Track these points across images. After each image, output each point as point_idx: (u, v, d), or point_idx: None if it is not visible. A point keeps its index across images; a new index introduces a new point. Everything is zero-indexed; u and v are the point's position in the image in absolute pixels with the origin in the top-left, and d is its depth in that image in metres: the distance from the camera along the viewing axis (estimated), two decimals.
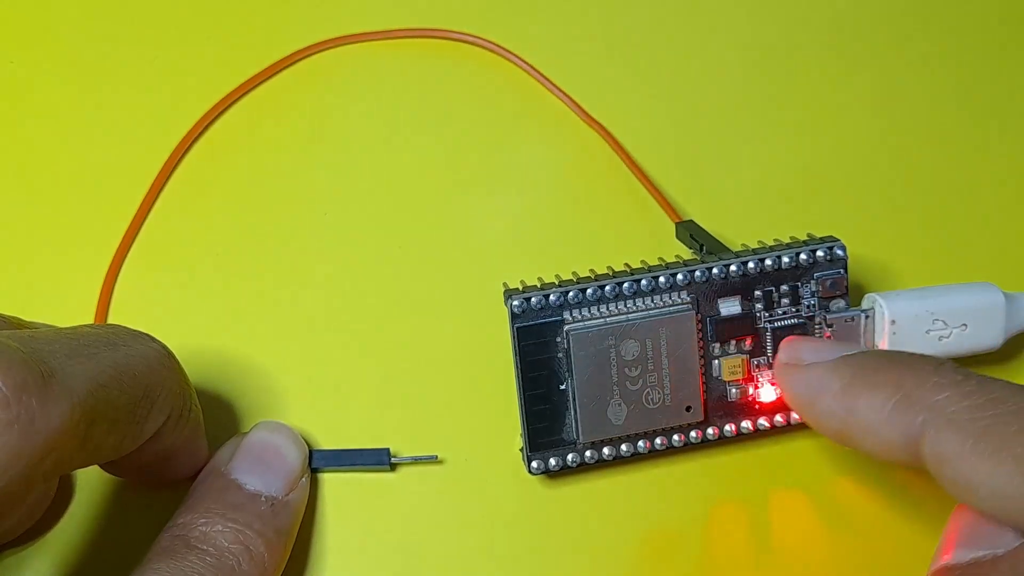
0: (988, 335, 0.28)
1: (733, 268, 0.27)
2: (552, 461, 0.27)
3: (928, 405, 0.22)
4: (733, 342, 0.27)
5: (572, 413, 0.27)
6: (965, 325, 0.27)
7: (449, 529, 0.28)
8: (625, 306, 0.27)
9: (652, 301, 0.27)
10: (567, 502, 0.28)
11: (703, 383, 0.27)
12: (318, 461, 0.28)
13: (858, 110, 0.33)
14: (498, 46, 0.32)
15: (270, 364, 0.29)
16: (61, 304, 0.29)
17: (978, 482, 0.21)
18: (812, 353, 0.25)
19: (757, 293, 0.27)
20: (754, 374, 0.28)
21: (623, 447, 0.27)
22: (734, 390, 0.28)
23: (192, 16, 0.33)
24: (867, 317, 0.27)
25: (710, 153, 0.32)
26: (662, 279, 0.27)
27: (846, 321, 0.27)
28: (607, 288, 0.26)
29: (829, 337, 0.27)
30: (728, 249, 0.28)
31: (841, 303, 0.28)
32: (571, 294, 0.26)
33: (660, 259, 0.28)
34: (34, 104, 0.32)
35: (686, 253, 0.29)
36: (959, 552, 0.23)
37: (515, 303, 0.26)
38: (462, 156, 0.32)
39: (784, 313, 0.27)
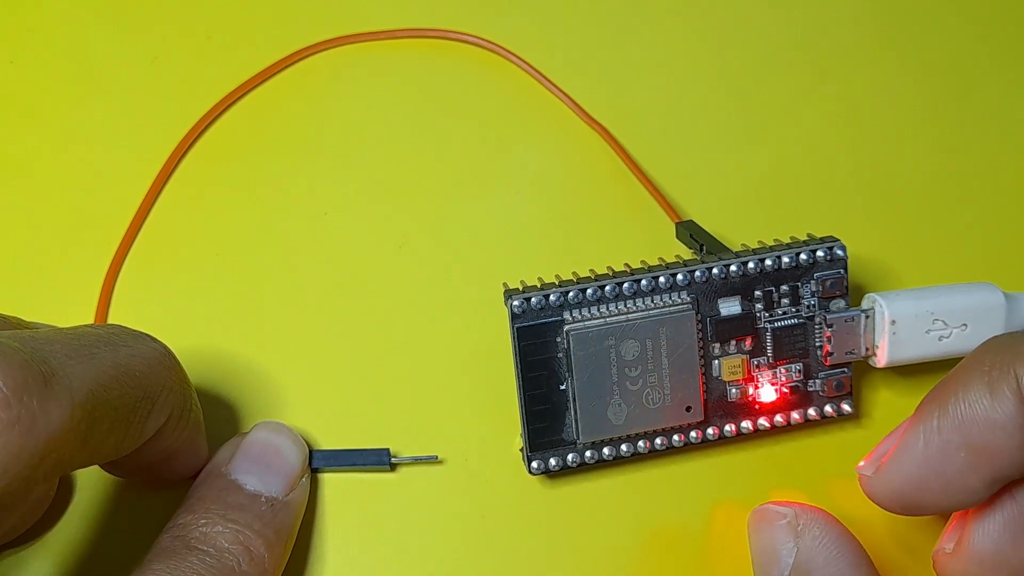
0: (988, 335, 0.27)
1: (733, 268, 0.27)
2: (552, 461, 0.27)
3: (1014, 358, 0.22)
4: (733, 342, 0.27)
5: (572, 413, 0.27)
6: (965, 325, 0.27)
7: (449, 529, 0.28)
8: (625, 306, 0.27)
9: (652, 301, 0.27)
10: (567, 502, 0.28)
11: (703, 383, 0.27)
12: (318, 461, 0.28)
13: (858, 110, 0.33)
14: (498, 46, 0.32)
15: (270, 364, 0.29)
16: (61, 304, 0.29)
17: None
18: (886, 441, 0.25)
19: (757, 293, 0.27)
20: (754, 374, 0.28)
21: (623, 447, 0.27)
22: (734, 390, 0.28)
23: (192, 16, 0.33)
24: (867, 317, 0.27)
25: (710, 153, 0.32)
26: (662, 279, 0.27)
27: (846, 321, 0.27)
28: (607, 288, 0.26)
29: (829, 337, 0.27)
30: (728, 249, 0.28)
31: (841, 303, 0.28)
32: (571, 294, 0.26)
33: (660, 259, 0.28)
34: (34, 104, 0.32)
35: (686, 253, 0.29)
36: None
37: (515, 303, 0.26)
38: (462, 156, 0.32)
39: (784, 313, 0.28)
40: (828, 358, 0.28)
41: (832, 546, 0.24)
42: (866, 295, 0.28)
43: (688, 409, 0.27)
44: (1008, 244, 0.31)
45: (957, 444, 0.23)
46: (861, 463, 0.26)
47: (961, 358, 0.28)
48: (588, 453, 0.27)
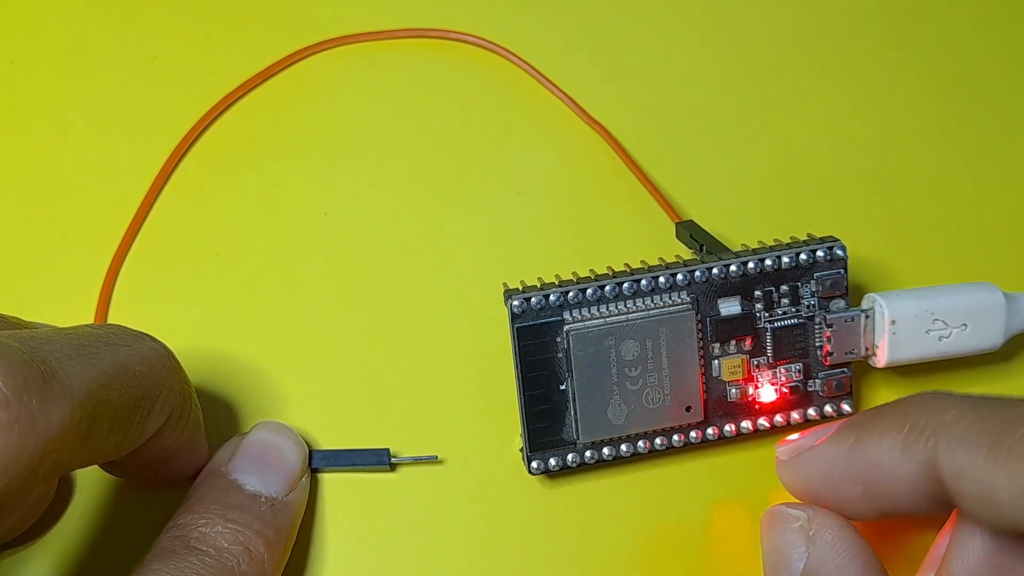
0: (988, 335, 0.28)
1: (733, 268, 0.27)
2: (552, 461, 0.27)
3: (936, 427, 0.22)
4: (733, 342, 0.27)
5: (572, 413, 0.27)
6: (965, 325, 0.27)
7: (449, 529, 0.28)
8: (625, 306, 0.27)
9: (652, 301, 0.27)
10: (567, 502, 0.28)
11: (703, 383, 0.27)
12: (318, 461, 0.28)
13: (859, 110, 0.33)
14: (498, 46, 0.32)
15: (270, 364, 0.29)
16: (61, 304, 0.29)
17: (998, 488, 0.21)
18: (808, 439, 0.26)
19: (757, 293, 0.27)
20: (754, 374, 0.28)
21: (623, 447, 0.27)
22: (734, 390, 0.28)
23: (192, 16, 0.33)
24: (867, 317, 0.27)
25: (710, 153, 0.32)
26: (662, 279, 0.27)
27: (846, 321, 0.27)
28: (607, 288, 0.26)
29: (829, 337, 0.27)
30: (728, 249, 0.28)
31: (841, 303, 0.28)
32: (571, 294, 0.26)
33: (660, 259, 0.28)
34: (34, 104, 0.32)
35: (686, 253, 0.29)
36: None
37: (515, 303, 0.26)
38: (462, 156, 0.32)
39: (784, 313, 0.28)
40: (828, 358, 0.28)
41: (843, 553, 0.24)
42: (866, 295, 0.28)
43: (688, 409, 0.27)
44: (1008, 244, 0.31)
45: (857, 478, 0.24)
46: (782, 445, 0.26)
47: (961, 358, 0.28)
48: (588, 453, 0.27)
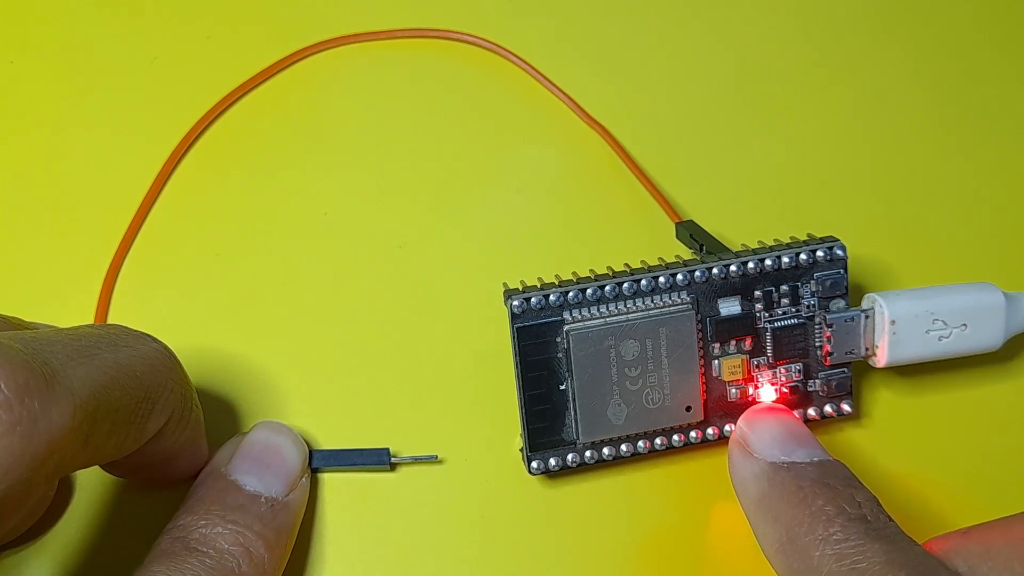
0: (988, 335, 0.28)
1: (733, 268, 0.27)
2: (552, 461, 0.27)
3: (806, 558, 0.23)
4: (733, 342, 0.27)
5: (572, 413, 0.27)
6: (965, 325, 0.27)
7: (449, 529, 0.28)
8: (625, 306, 0.27)
9: (652, 301, 0.27)
10: (567, 502, 0.28)
11: (703, 383, 0.27)
12: (318, 461, 0.28)
13: (859, 110, 0.33)
14: (498, 46, 0.32)
15: (270, 364, 0.29)
16: (61, 304, 0.29)
17: None
18: (758, 442, 0.26)
19: (757, 293, 0.27)
20: (754, 374, 0.28)
21: (623, 447, 0.27)
22: (734, 390, 0.28)
23: (192, 16, 0.33)
24: (867, 317, 0.27)
25: (710, 153, 0.32)
26: (662, 279, 0.27)
27: (846, 321, 0.27)
28: (607, 288, 0.26)
29: (829, 337, 0.27)
30: (728, 249, 0.28)
31: (841, 303, 0.28)
32: (571, 294, 0.26)
33: (660, 259, 0.28)
34: (34, 104, 0.32)
35: (686, 253, 0.29)
36: None
37: (515, 303, 0.26)
38: (462, 156, 0.32)
39: (784, 313, 0.28)
40: (828, 358, 0.28)
41: None
42: (866, 295, 0.28)
43: (688, 409, 0.27)
44: (1008, 244, 0.32)
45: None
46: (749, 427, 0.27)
47: (961, 358, 0.28)
48: (588, 453, 0.27)
